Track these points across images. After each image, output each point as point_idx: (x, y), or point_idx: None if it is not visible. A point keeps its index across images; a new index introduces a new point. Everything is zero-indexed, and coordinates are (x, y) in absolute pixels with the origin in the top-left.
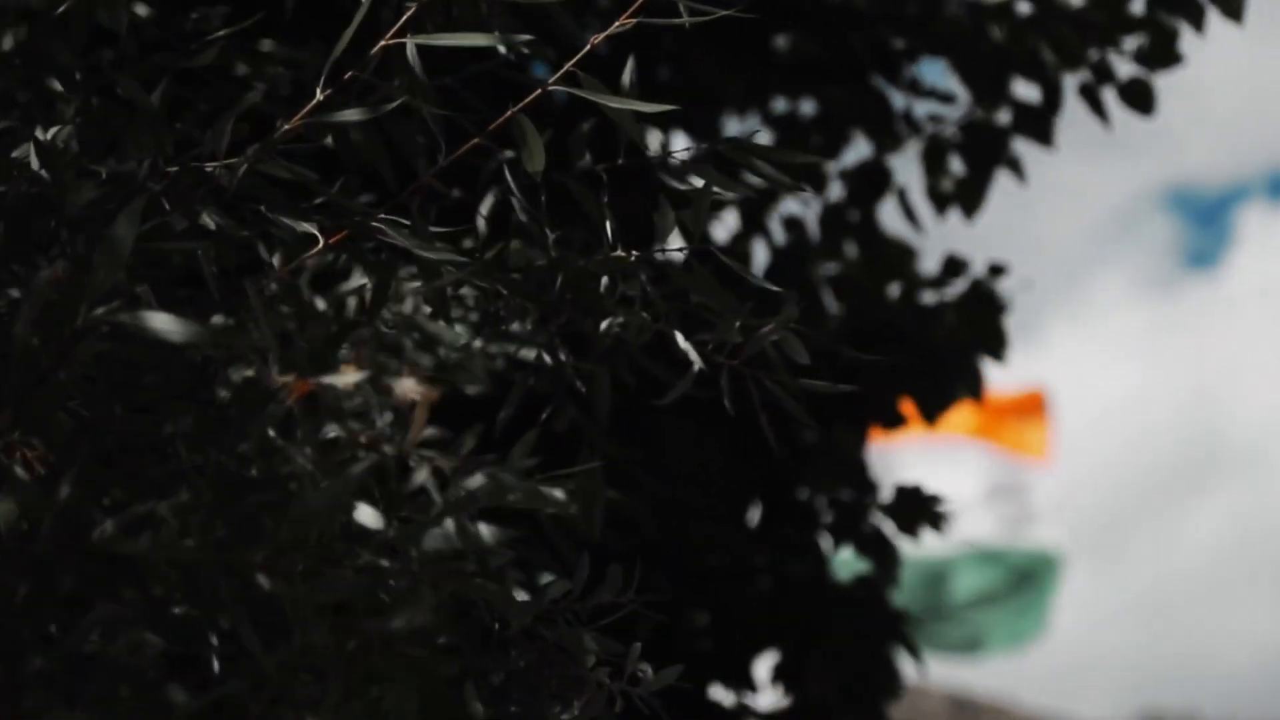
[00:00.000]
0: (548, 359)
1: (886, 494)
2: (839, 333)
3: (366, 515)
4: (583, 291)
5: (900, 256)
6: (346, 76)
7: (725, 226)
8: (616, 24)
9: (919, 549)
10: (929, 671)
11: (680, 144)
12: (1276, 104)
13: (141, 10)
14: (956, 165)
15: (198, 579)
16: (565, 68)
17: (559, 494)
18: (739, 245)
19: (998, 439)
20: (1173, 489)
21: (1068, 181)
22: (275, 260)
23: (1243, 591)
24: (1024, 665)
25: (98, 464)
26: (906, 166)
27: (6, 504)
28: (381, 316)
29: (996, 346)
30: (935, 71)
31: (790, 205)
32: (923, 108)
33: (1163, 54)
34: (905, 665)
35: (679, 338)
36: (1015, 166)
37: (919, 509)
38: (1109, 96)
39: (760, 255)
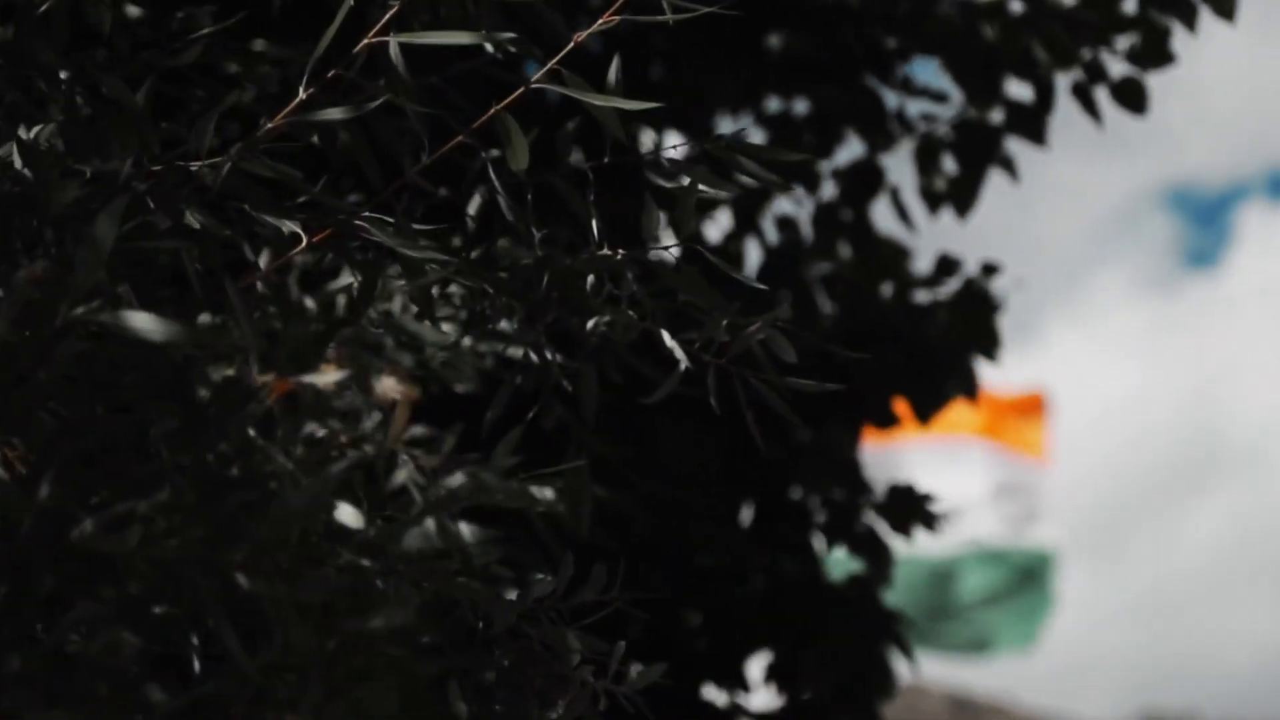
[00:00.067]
0: (534, 358)
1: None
2: (832, 332)
3: (347, 515)
4: (569, 290)
5: (894, 256)
6: (330, 75)
7: (718, 226)
8: (600, 21)
9: (926, 549)
10: (931, 671)
11: (674, 144)
12: (1276, 104)
13: (133, 11)
14: (949, 164)
15: (178, 578)
16: (548, 65)
17: (549, 493)
18: (732, 245)
19: (1002, 437)
20: (1173, 489)
21: (1067, 181)
22: (263, 259)
23: (1243, 591)
24: (1024, 665)
25: (78, 464)
26: (899, 166)
27: None
28: (365, 315)
29: (989, 346)
30: (928, 71)
31: (783, 205)
32: (915, 107)
33: (1155, 53)
34: (901, 665)
35: (665, 336)
36: (1008, 165)
37: (912, 508)
38: (1102, 96)
39: (753, 255)
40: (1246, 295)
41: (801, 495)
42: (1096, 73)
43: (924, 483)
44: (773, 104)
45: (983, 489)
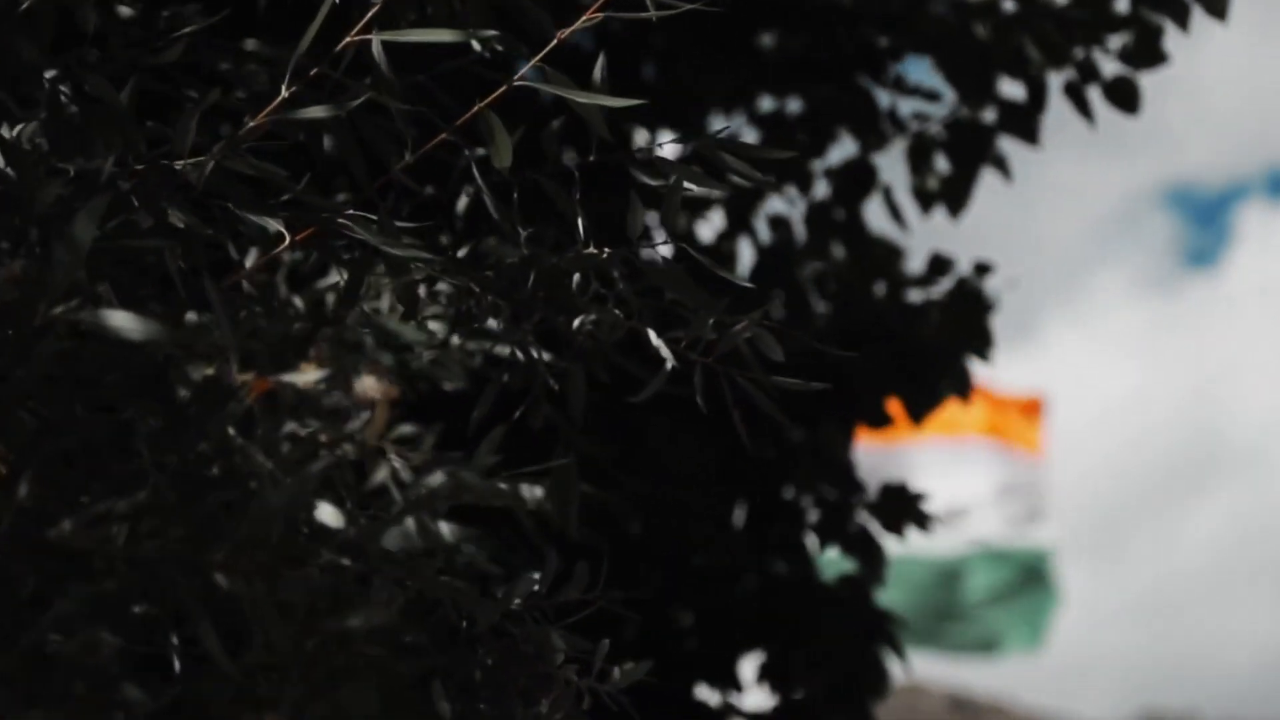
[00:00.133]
0: (521, 356)
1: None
2: (825, 332)
3: (327, 514)
4: (555, 289)
5: (887, 255)
6: (312, 73)
7: (711, 225)
8: (584, 18)
9: (933, 550)
10: (930, 671)
11: (661, 142)
12: (1276, 103)
13: (125, 11)
14: (942, 164)
15: (158, 578)
16: (532, 63)
17: (538, 491)
18: (725, 244)
19: (1005, 435)
20: (1173, 489)
21: (1067, 181)
22: (250, 258)
23: (1243, 591)
24: (1024, 665)
25: (58, 463)
26: (892, 165)
27: None
28: (350, 314)
29: (982, 345)
30: (920, 70)
31: (776, 204)
32: (908, 106)
33: (1147, 52)
34: (896, 665)
35: (651, 335)
36: (1001, 165)
37: (905, 508)
38: (1094, 95)
39: (746, 254)
40: (1246, 295)
41: (794, 495)
42: (1089, 72)
43: (931, 484)
44: (765, 103)
45: (988, 488)
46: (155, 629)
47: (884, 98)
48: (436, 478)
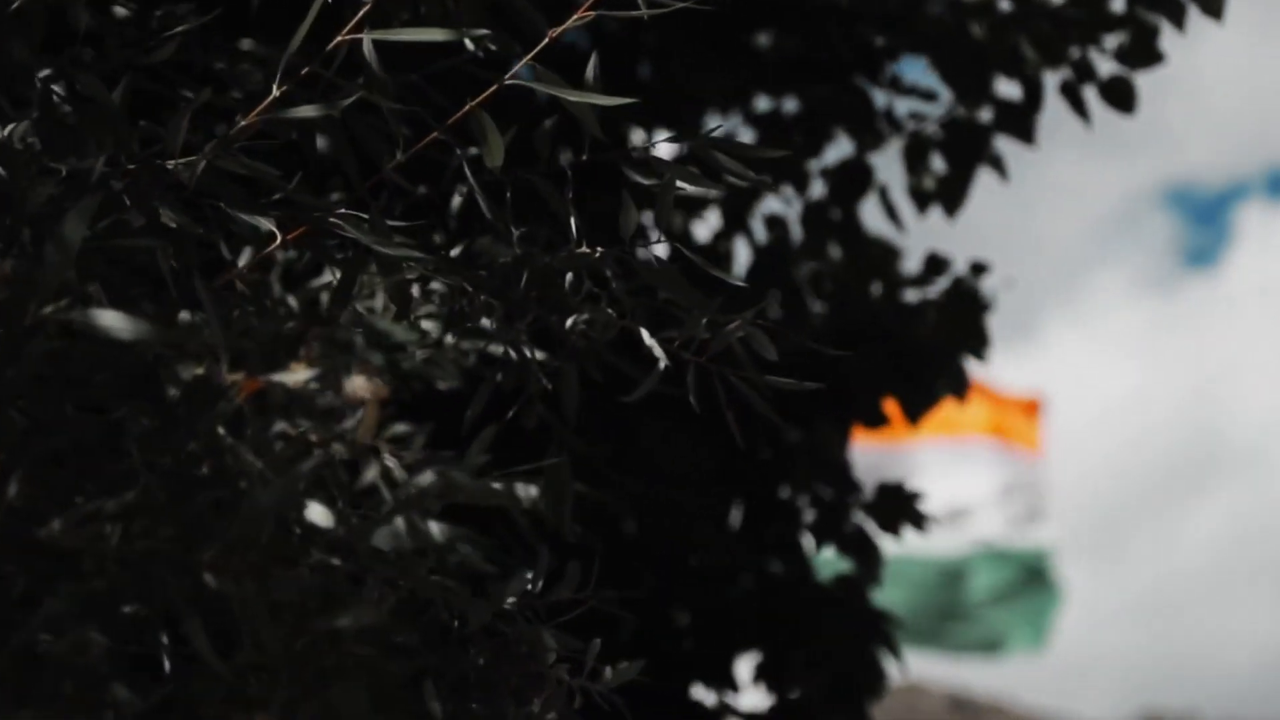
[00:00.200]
0: (514, 355)
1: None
2: (822, 331)
3: (318, 513)
4: (548, 288)
5: (883, 255)
6: (304, 72)
7: (707, 225)
8: (575, 16)
9: (936, 550)
10: (930, 671)
11: (655, 140)
12: (1276, 103)
13: (120, 11)
14: (938, 163)
15: (148, 577)
16: (523, 61)
17: (532, 490)
18: (721, 244)
19: (1006, 434)
20: (1173, 489)
21: (1067, 181)
22: (242, 257)
23: (1243, 591)
24: (1024, 665)
25: (48, 463)
26: (888, 165)
27: None
28: (342, 313)
29: (978, 345)
30: (917, 69)
31: (772, 204)
32: (904, 105)
33: (1143, 52)
34: (893, 665)
35: (645, 334)
36: (997, 164)
37: (901, 508)
38: (1090, 95)
39: (743, 254)
40: (1246, 295)
41: (790, 495)
42: (1085, 72)
43: (932, 484)
44: (761, 102)
45: (990, 488)
46: (145, 629)
47: (880, 97)
48: (427, 477)
